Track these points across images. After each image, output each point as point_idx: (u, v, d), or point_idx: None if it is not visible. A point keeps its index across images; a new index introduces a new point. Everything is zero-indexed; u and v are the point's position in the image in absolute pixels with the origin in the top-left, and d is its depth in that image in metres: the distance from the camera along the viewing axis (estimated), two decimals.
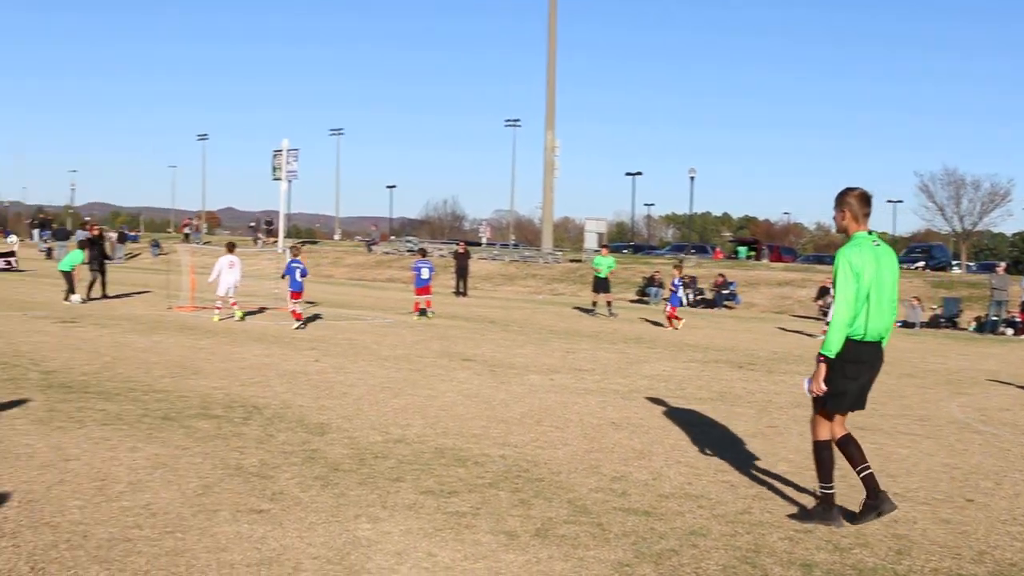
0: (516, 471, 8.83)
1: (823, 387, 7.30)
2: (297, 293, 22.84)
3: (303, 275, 22.87)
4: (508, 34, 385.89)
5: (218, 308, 23.13)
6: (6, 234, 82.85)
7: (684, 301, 30.98)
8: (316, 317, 25.14)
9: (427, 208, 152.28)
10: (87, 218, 76.35)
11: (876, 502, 7.46)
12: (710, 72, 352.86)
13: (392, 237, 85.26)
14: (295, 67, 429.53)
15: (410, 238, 76.29)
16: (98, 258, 29.22)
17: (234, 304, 23.24)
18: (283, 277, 24.39)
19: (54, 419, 10.26)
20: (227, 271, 22.93)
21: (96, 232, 32.11)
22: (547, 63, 61.84)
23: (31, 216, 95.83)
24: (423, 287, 26.96)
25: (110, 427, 9.98)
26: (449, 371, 15.79)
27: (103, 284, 28.92)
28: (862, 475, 7.49)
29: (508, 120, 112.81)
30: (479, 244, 72.06)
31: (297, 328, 21.58)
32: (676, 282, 29.30)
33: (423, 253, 29.50)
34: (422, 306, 26.88)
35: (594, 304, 32.65)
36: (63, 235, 59.66)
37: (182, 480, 7.94)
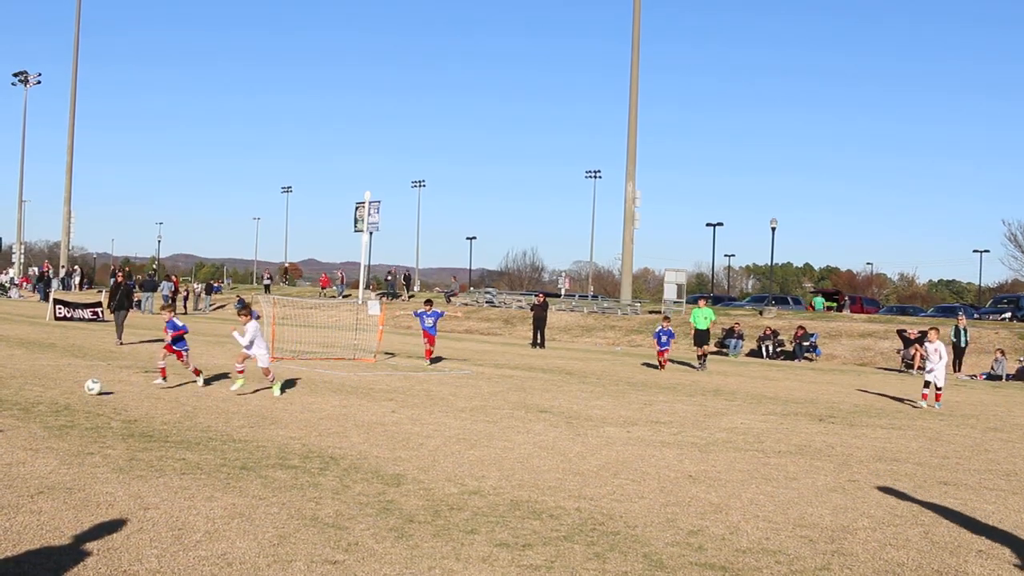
0: (591, 524, 8.77)
1: None
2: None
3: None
4: (589, 85, 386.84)
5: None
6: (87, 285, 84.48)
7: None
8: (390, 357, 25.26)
9: (507, 259, 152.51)
10: (113, 267, 76.40)
11: None
12: (792, 121, 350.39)
13: (471, 288, 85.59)
14: (377, 119, 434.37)
15: (489, 289, 76.51)
16: (122, 304, 30.47)
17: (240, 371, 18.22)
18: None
19: (134, 468, 10.40)
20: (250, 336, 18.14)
21: (120, 278, 33.32)
22: (628, 114, 61.94)
23: (117, 267, 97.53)
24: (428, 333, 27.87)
25: (189, 476, 10.09)
26: (525, 423, 15.75)
27: (120, 329, 30.16)
28: None
29: (588, 171, 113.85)
30: (558, 295, 72.13)
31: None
32: (659, 330, 31.71)
33: (429, 304, 29.81)
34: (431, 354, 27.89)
35: (700, 358, 32.04)
36: (151, 286, 60.72)
37: (258, 530, 7.99)
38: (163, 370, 18.64)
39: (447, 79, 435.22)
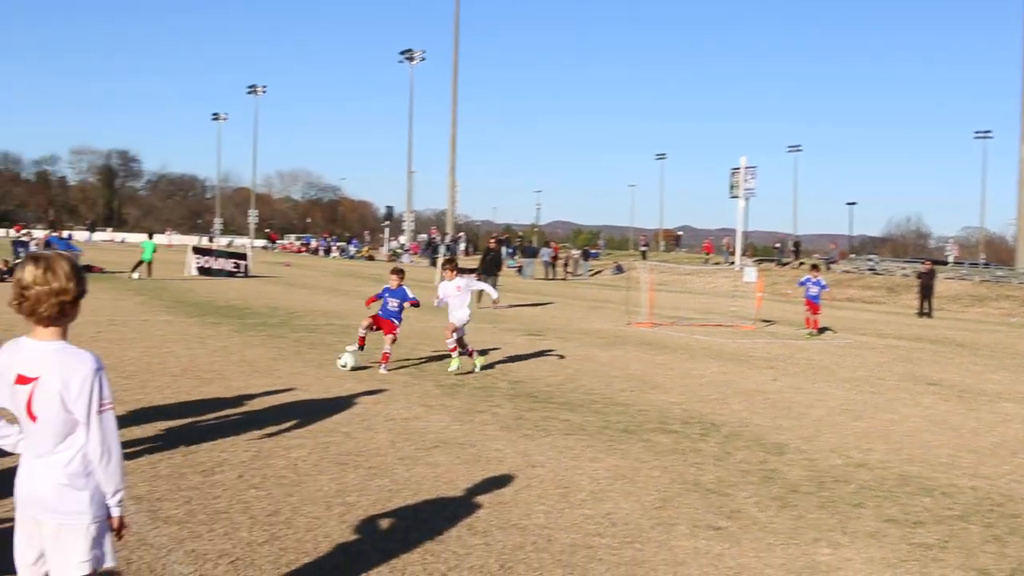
0: (988, 505, 8.29)
1: None
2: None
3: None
4: (976, 42, 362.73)
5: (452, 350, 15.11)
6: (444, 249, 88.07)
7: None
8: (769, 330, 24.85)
9: (889, 225, 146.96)
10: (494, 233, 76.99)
11: None
12: None
13: (852, 255, 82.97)
14: (753, 83, 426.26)
15: (871, 256, 73.95)
16: (489, 269, 31.36)
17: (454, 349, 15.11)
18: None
19: (521, 427, 10.77)
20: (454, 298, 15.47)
21: (492, 245, 34.02)
22: (1022, 71, 58.01)
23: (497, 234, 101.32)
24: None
25: (573, 437, 10.34)
26: (913, 395, 15.10)
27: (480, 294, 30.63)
28: None
29: (978, 132, 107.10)
30: (945, 263, 68.74)
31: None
32: None
33: (815, 269, 28.67)
34: (812, 324, 26.48)
35: None
36: (532, 252, 62.92)
37: (641, 492, 8.08)
38: (362, 339, 15.07)
39: (825, 42, 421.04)
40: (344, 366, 14.52)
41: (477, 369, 15.23)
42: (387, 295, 15.29)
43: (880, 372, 17.96)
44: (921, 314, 39.71)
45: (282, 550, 6.18)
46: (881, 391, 15.39)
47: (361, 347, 14.90)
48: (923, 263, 46.19)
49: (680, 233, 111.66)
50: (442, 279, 16.06)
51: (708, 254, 78.54)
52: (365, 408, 11.41)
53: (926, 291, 40.26)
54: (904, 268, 59.54)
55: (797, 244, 76.03)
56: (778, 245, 77.29)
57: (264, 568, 5.84)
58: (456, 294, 15.31)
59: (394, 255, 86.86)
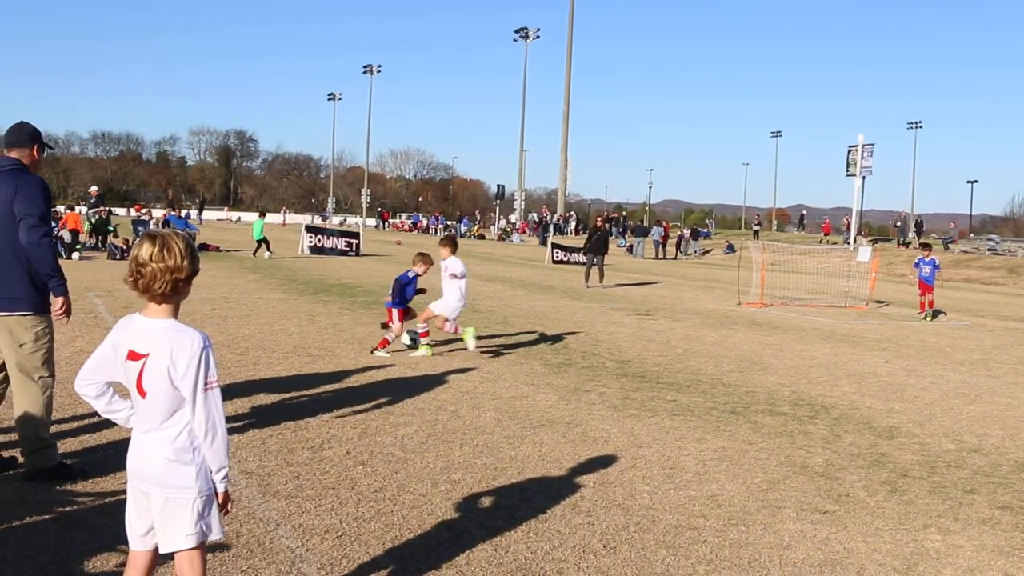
0: None
1: None
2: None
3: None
4: None
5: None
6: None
7: None
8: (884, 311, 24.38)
9: (1012, 204, 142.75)
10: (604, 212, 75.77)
11: None
12: None
13: (971, 235, 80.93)
14: (871, 59, 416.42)
15: (992, 236, 72.04)
16: (596, 248, 30.80)
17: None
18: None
19: (628, 406, 10.75)
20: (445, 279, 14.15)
21: (599, 223, 33.60)
22: None
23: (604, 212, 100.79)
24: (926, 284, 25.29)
25: (679, 417, 10.29)
26: None
27: (600, 274, 30.42)
28: None
29: None
30: None
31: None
32: None
33: (927, 248, 27.62)
34: (926, 306, 25.17)
35: None
36: (642, 232, 62.57)
37: (747, 474, 8.02)
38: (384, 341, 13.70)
39: (946, 13, 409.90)
40: (416, 351, 13.92)
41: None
42: (416, 284, 14.16)
43: (998, 355, 17.53)
44: None
45: (387, 526, 6.27)
46: (998, 375, 15.03)
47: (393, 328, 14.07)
48: None
49: (804, 212, 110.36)
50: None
51: (826, 234, 77.21)
52: (472, 387, 11.49)
53: None
54: None
55: (919, 223, 74.16)
56: (899, 224, 75.43)
57: (370, 544, 5.93)
58: (444, 274, 14.00)
59: (503, 234, 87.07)
